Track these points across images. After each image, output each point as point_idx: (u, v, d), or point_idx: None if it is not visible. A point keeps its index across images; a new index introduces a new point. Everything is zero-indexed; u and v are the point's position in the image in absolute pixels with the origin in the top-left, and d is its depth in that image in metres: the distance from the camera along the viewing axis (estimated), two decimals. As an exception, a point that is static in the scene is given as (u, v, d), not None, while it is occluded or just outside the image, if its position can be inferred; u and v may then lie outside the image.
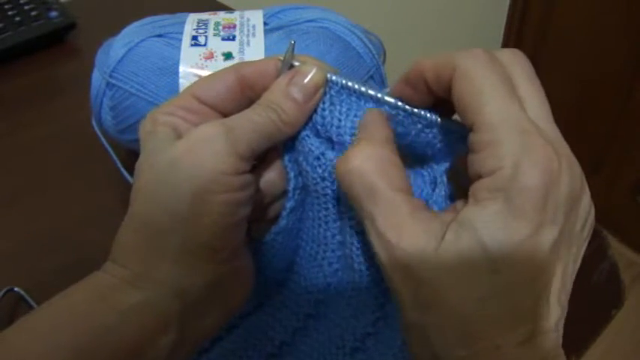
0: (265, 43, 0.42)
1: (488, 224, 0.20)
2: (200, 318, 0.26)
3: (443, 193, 0.27)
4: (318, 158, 0.27)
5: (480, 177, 0.21)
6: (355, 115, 0.26)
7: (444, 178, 0.28)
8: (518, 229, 0.20)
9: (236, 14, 0.45)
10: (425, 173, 0.28)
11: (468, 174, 0.22)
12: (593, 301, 0.40)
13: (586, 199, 0.22)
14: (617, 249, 1.45)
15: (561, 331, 0.22)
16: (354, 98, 0.26)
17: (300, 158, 0.28)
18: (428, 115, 0.25)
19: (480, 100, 0.21)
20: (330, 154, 0.27)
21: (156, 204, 0.24)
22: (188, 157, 0.24)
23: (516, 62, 0.23)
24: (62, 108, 0.57)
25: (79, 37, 0.68)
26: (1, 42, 0.62)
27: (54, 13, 0.66)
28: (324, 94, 0.27)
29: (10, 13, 0.65)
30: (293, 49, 0.27)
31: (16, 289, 0.39)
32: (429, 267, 0.21)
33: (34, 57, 0.65)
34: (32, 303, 0.38)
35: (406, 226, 0.22)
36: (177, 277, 0.24)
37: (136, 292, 0.24)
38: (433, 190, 0.27)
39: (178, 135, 0.26)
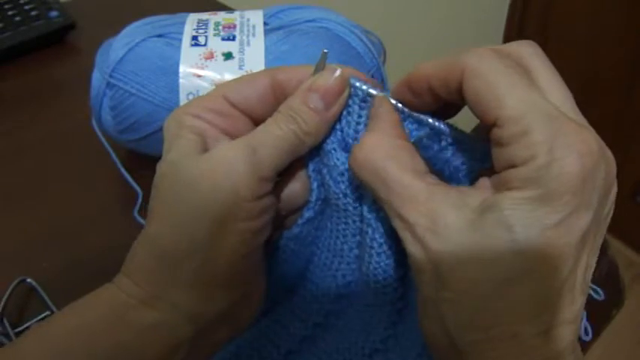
0: (265, 43, 0.42)
1: (518, 207, 0.20)
2: (210, 337, 0.26)
3: None
4: (342, 174, 0.26)
5: (509, 168, 0.21)
6: None
7: None
8: (550, 212, 0.19)
9: (236, 14, 0.45)
10: None
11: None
12: (593, 301, 0.39)
13: (616, 186, 0.22)
14: (617, 249, 1.45)
15: (579, 322, 0.22)
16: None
17: (325, 171, 0.27)
18: (464, 137, 0.25)
19: (499, 95, 0.21)
20: None
21: (173, 228, 0.24)
22: (209, 179, 0.24)
23: (535, 53, 0.23)
24: (62, 108, 0.57)
25: (79, 37, 0.68)
26: (1, 42, 0.62)
27: (54, 13, 0.66)
28: (351, 102, 0.26)
29: (10, 12, 0.65)
30: (325, 58, 0.26)
31: (28, 280, 0.39)
32: (449, 242, 0.21)
33: (34, 57, 0.65)
34: (44, 295, 0.38)
35: (422, 202, 0.22)
36: (191, 303, 0.24)
37: (151, 312, 0.24)
38: None
39: (203, 145, 0.25)
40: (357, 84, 0.26)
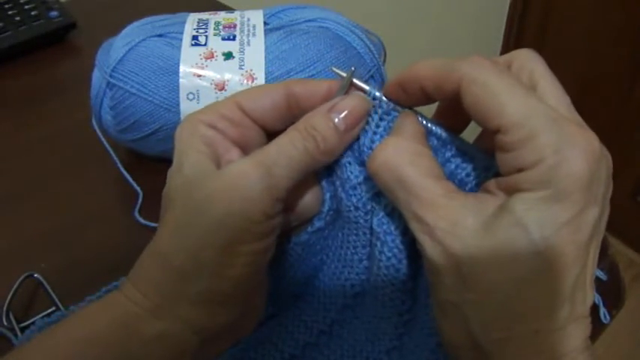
0: (266, 43, 0.42)
1: (531, 208, 0.21)
2: (213, 346, 0.26)
3: None
4: (355, 188, 0.27)
5: (518, 172, 0.21)
6: None
7: None
8: (562, 211, 0.20)
9: (236, 14, 0.45)
10: None
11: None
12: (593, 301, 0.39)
13: (611, 182, 0.23)
14: (617, 249, 1.45)
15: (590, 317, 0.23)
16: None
17: (337, 183, 0.28)
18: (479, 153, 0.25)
19: (500, 102, 0.21)
20: (367, 185, 0.26)
21: (183, 246, 0.24)
22: (223, 202, 0.24)
23: (534, 60, 0.24)
24: (62, 108, 0.57)
25: (79, 37, 0.68)
26: (1, 42, 0.62)
27: (54, 13, 0.66)
28: (371, 119, 0.26)
29: (10, 12, 0.65)
30: (352, 75, 0.26)
31: (35, 275, 0.39)
32: (469, 244, 0.21)
33: (34, 57, 0.65)
34: (50, 291, 0.38)
35: (442, 205, 0.22)
36: (196, 318, 0.24)
37: (157, 322, 0.24)
38: None
39: (215, 157, 0.25)
40: (381, 96, 0.26)
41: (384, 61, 0.48)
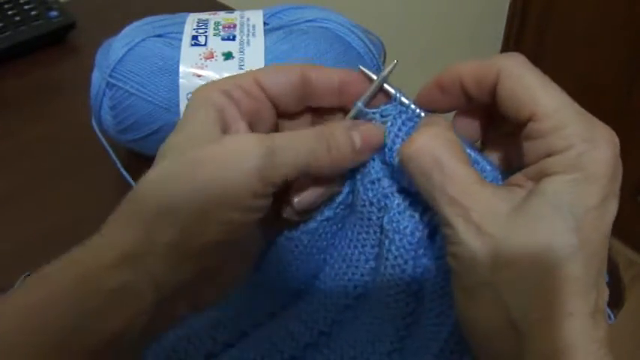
0: (265, 43, 0.42)
1: (562, 189, 0.22)
2: (169, 310, 0.26)
3: None
4: (373, 182, 0.27)
5: (547, 157, 0.23)
6: None
7: None
8: (591, 194, 0.22)
9: (236, 14, 0.45)
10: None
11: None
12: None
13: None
14: (617, 249, 1.44)
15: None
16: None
17: (358, 177, 0.28)
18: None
19: (535, 93, 0.23)
20: (385, 182, 0.27)
21: (163, 199, 0.24)
22: (214, 162, 0.24)
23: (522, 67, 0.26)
24: (62, 108, 0.57)
25: (79, 37, 0.68)
26: (0, 42, 0.62)
27: (54, 13, 0.66)
28: (395, 121, 0.27)
29: (10, 12, 0.65)
30: (393, 69, 0.28)
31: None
32: (504, 225, 0.22)
33: (34, 57, 0.64)
34: None
35: (476, 190, 0.23)
36: (160, 272, 0.24)
37: (119, 274, 0.23)
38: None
39: (222, 123, 0.26)
40: (407, 102, 0.27)
41: (384, 61, 0.48)
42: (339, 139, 0.26)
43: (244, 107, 0.27)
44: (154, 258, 0.24)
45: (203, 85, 0.27)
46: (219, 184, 0.24)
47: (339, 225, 0.30)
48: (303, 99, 0.28)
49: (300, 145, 0.25)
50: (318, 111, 0.30)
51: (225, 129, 0.26)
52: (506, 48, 1.58)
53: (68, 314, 0.22)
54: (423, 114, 0.28)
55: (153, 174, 0.25)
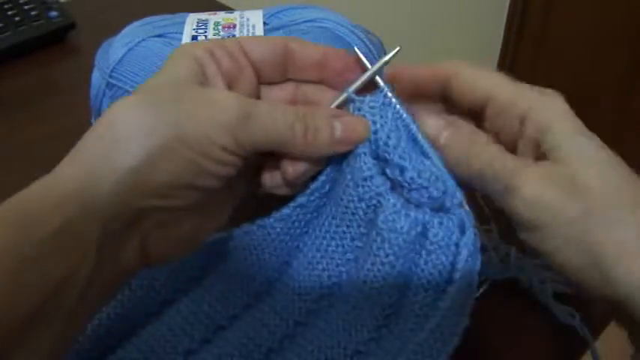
0: (265, 43, 0.42)
1: (568, 136, 0.26)
2: (113, 260, 0.24)
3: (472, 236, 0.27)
4: (365, 180, 0.27)
5: (520, 123, 0.27)
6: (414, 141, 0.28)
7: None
8: (579, 124, 0.27)
9: (236, 14, 0.45)
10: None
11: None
12: (593, 301, 0.39)
13: None
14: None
15: None
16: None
17: (347, 170, 0.28)
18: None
19: (487, 82, 0.29)
20: (377, 180, 0.27)
21: (136, 122, 0.24)
22: (190, 102, 0.24)
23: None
24: (62, 108, 0.57)
25: (79, 37, 0.68)
26: (1, 42, 0.62)
27: (54, 13, 0.66)
28: (384, 114, 0.27)
29: (9, 12, 0.65)
30: (395, 54, 0.29)
31: None
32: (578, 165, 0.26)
33: (34, 57, 0.65)
34: None
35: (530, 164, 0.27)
36: (106, 201, 0.23)
37: (58, 215, 0.22)
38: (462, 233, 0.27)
39: (202, 79, 0.26)
40: (395, 100, 0.28)
41: (384, 61, 0.47)
42: (319, 123, 0.26)
43: (225, 67, 0.27)
44: (102, 186, 0.23)
45: (187, 43, 0.28)
46: (192, 127, 0.24)
47: (314, 214, 0.30)
48: (284, 69, 0.29)
49: (279, 117, 0.25)
50: (301, 86, 0.30)
51: (203, 83, 0.26)
52: (506, 48, 1.58)
53: (5, 263, 0.20)
54: (405, 113, 0.28)
55: (128, 100, 0.25)
